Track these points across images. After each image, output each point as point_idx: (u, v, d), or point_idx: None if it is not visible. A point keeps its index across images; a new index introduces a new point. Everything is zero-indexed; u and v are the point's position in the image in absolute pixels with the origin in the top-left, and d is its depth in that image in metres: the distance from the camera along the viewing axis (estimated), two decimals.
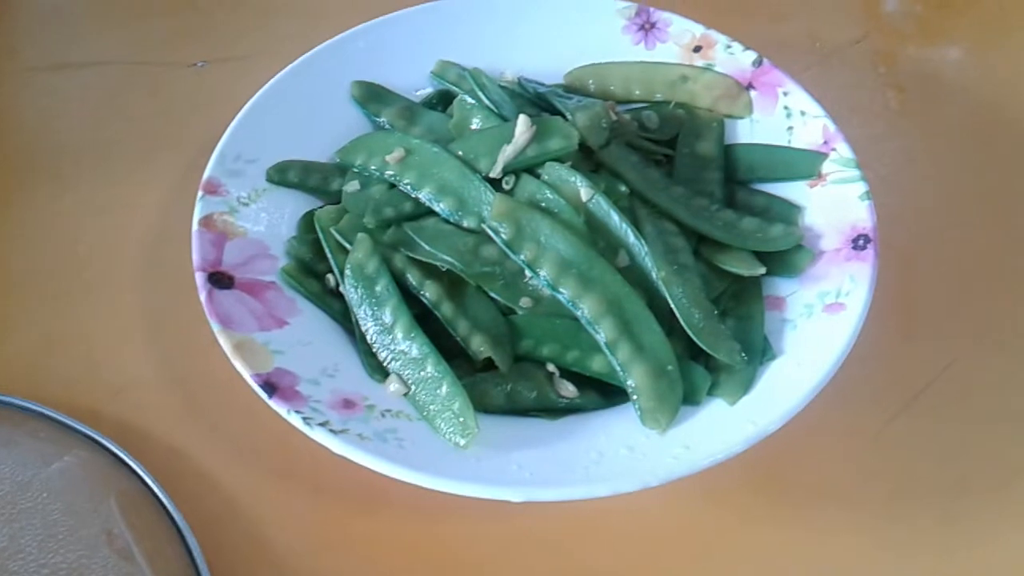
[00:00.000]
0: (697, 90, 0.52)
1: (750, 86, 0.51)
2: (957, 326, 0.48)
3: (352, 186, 0.47)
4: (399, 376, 0.41)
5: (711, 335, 0.41)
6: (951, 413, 0.45)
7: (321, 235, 0.45)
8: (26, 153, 0.56)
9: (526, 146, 0.45)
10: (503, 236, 0.42)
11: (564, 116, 0.47)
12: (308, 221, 0.47)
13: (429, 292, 0.43)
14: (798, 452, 0.43)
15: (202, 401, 0.45)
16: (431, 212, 0.45)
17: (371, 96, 0.52)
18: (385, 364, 0.41)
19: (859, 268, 0.42)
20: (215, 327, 0.40)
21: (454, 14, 0.55)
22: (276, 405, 0.38)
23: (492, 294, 0.43)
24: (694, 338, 0.41)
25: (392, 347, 0.41)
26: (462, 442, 0.38)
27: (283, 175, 0.48)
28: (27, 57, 0.61)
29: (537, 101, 0.50)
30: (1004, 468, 0.43)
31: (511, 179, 0.45)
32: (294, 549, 0.41)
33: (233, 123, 0.48)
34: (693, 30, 0.53)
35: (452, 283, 0.43)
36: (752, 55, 0.51)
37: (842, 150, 0.47)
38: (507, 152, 0.45)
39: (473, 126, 0.48)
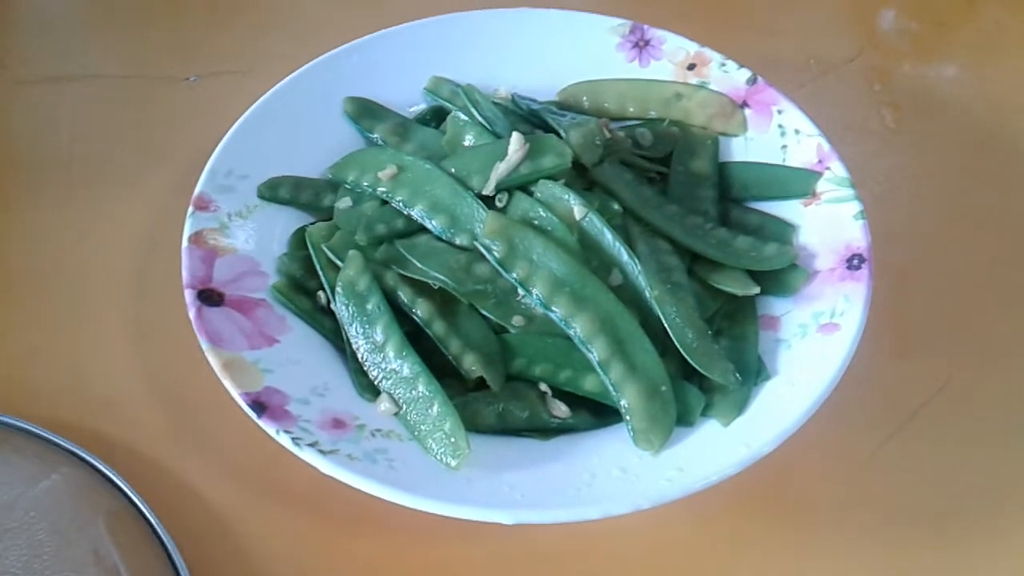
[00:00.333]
0: (691, 108, 0.52)
1: (744, 104, 0.51)
2: (952, 346, 0.48)
3: (344, 203, 0.47)
4: (390, 395, 0.40)
5: (705, 355, 0.41)
6: (946, 434, 0.45)
7: (312, 252, 0.45)
8: (15, 166, 0.56)
9: (519, 163, 0.45)
10: (496, 254, 0.42)
11: (558, 133, 0.47)
12: (299, 238, 0.46)
13: (421, 310, 0.42)
14: (792, 473, 0.43)
15: (190, 419, 0.44)
16: (423, 229, 0.45)
17: (364, 112, 0.52)
18: (376, 383, 0.41)
19: (854, 288, 0.42)
20: (204, 345, 0.40)
21: (448, 30, 0.55)
22: (265, 425, 0.38)
23: (484, 312, 0.42)
24: (688, 358, 0.40)
25: (383, 366, 0.41)
26: (453, 463, 0.38)
27: (274, 191, 0.48)
28: (17, 71, 0.61)
29: (531, 118, 0.50)
30: (999, 489, 0.43)
31: (504, 197, 0.45)
32: (283, 570, 0.40)
33: (225, 139, 0.48)
34: (687, 48, 0.53)
35: (444, 301, 0.43)
36: (746, 73, 0.51)
37: (836, 169, 0.46)
38: (500, 169, 0.44)
39: (466, 143, 0.48)
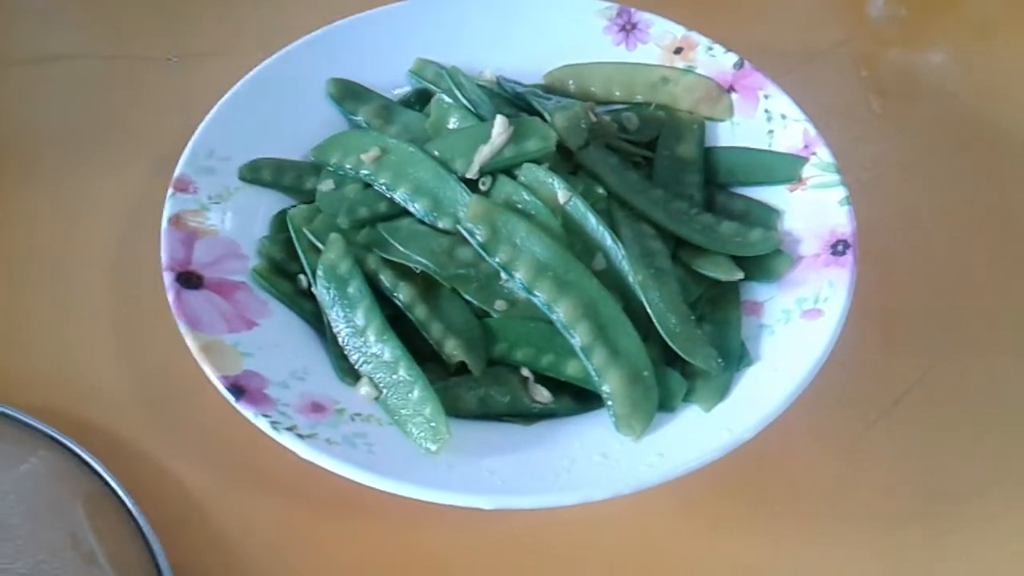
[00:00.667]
0: (678, 92, 0.51)
1: (731, 89, 0.51)
2: (936, 332, 0.48)
3: (326, 185, 0.47)
4: (370, 379, 0.40)
5: (687, 340, 0.40)
6: (929, 421, 0.45)
7: (294, 235, 0.44)
8: None
9: (503, 147, 0.44)
10: (478, 238, 0.42)
11: (543, 117, 0.47)
12: (281, 220, 0.46)
13: (402, 294, 0.42)
14: (775, 459, 0.42)
15: (170, 403, 0.44)
16: (406, 212, 0.45)
17: (348, 94, 0.51)
18: (356, 367, 0.40)
19: (838, 274, 0.42)
20: (182, 328, 0.39)
21: (434, 12, 0.54)
22: (243, 408, 0.37)
23: (466, 296, 0.42)
24: (670, 343, 0.40)
25: (364, 350, 0.40)
26: (433, 448, 0.37)
27: (256, 173, 0.47)
28: None
29: (516, 101, 0.50)
30: (981, 476, 0.43)
31: (488, 180, 0.44)
32: (261, 554, 0.40)
33: (205, 120, 0.47)
34: (674, 31, 0.53)
35: (426, 285, 0.43)
36: (733, 57, 0.51)
37: (822, 154, 0.46)
38: (484, 152, 0.44)
39: (450, 126, 0.48)
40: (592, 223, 0.42)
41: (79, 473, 0.40)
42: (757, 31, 0.61)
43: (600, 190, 0.45)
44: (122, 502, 0.40)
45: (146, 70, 0.59)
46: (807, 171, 0.46)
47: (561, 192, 0.43)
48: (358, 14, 0.53)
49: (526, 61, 0.53)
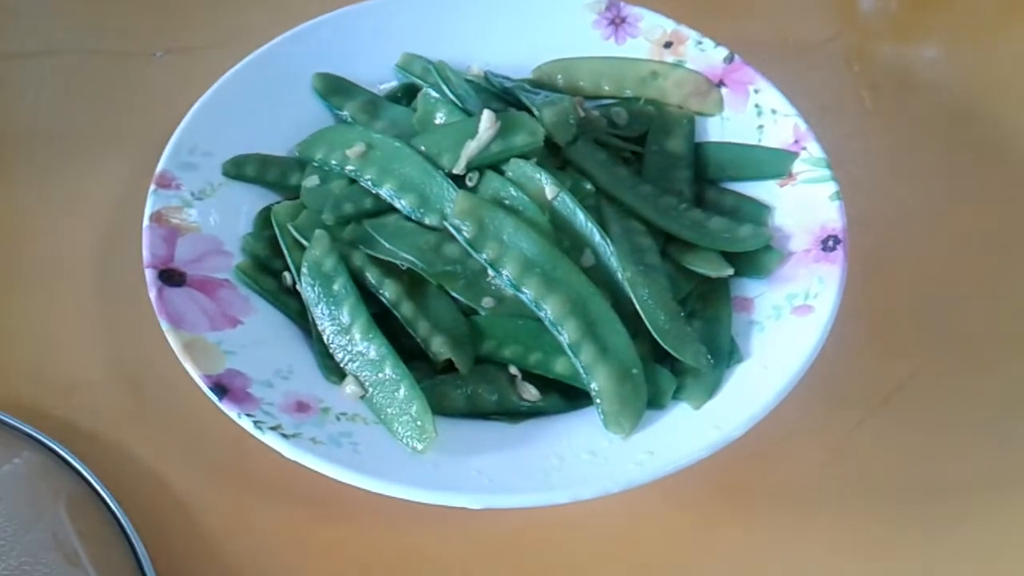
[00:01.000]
0: (667, 86, 0.51)
1: (721, 83, 0.50)
2: (927, 329, 0.48)
3: (311, 181, 0.46)
4: (356, 378, 0.39)
5: (677, 337, 0.40)
6: (920, 417, 0.44)
7: (278, 231, 0.44)
8: None
9: (490, 142, 0.44)
10: (465, 234, 0.41)
11: (531, 111, 0.46)
12: (265, 217, 0.45)
13: (388, 291, 0.42)
14: (765, 456, 0.42)
15: (153, 402, 0.43)
16: (392, 209, 0.44)
17: (333, 89, 0.51)
18: (342, 365, 0.40)
19: (828, 270, 0.42)
20: (164, 326, 0.39)
21: (420, 6, 0.54)
22: (226, 408, 0.37)
23: (453, 294, 0.42)
24: (659, 340, 0.40)
25: (349, 348, 0.40)
26: (419, 447, 0.37)
27: (240, 169, 0.47)
28: None
29: (504, 96, 0.49)
30: (971, 473, 0.43)
31: (475, 176, 0.44)
32: (246, 556, 0.39)
33: (188, 115, 0.47)
34: (664, 25, 0.52)
35: (412, 282, 0.42)
36: (723, 52, 0.51)
37: (813, 149, 0.46)
38: (471, 148, 0.43)
39: (437, 121, 0.47)
40: (580, 219, 0.42)
41: (62, 474, 0.40)
42: (747, 25, 0.60)
43: (588, 186, 0.45)
44: (105, 503, 0.39)
45: (131, 66, 0.59)
46: (797, 166, 0.46)
47: (549, 188, 0.42)
48: (344, 8, 0.53)
49: (514, 55, 0.52)
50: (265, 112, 0.49)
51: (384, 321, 0.41)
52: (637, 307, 0.40)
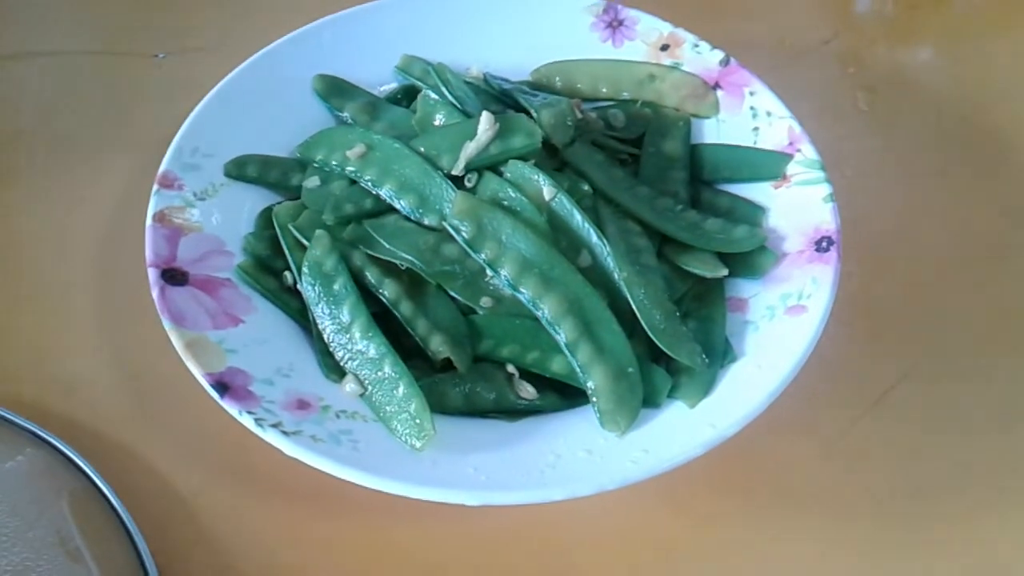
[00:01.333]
0: (664, 89, 0.51)
1: (717, 85, 0.51)
2: (920, 330, 0.48)
3: (312, 182, 0.47)
4: (356, 376, 0.40)
5: (672, 337, 0.41)
6: (913, 416, 0.45)
7: (279, 231, 0.44)
8: None
9: (489, 143, 0.44)
10: (464, 234, 0.42)
11: (529, 113, 0.47)
12: (266, 217, 0.46)
13: (388, 291, 0.42)
14: (759, 454, 0.43)
15: (155, 400, 0.44)
16: (392, 209, 0.45)
17: (334, 90, 0.51)
18: (342, 364, 0.40)
19: (821, 270, 0.42)
20: (167, 324, 0.39)
21: (420, 8, 0.54)
22: (228, 405, 0.37)
23: (452, 293, 0.42)
24: (655, 340, 0.40)
25: (349, 346, 0.40)
26: (418, 444, 0.37)
27: (241, 169, 0.47)
28: None
29: (502, 98, 0.50)
30: (965, 471, 0.43)
31: (473, 177, 0.44)
32: (247, 553, 0.40)
33: (191, 116, 0.47)
34: (661, 28, 0.53)
35: (412, 282, 0.43)
36: (719, 54, 0.51)
37: (807, 151, 0.46)
38: (469, 149, 0.44)
39: (436, 122, 0.48)
40: (577, 220, 0.43)
41: (64, 471, 0.40)
42: (744, 27, 0.61)
43: (586, 187, 0.45)
44: (107, 500, 0.40)
45: (134, 67, 0.59)
46: (792, 168, 0.46)
47: (547, 189, 0.43)
48: (345, 10, 0.53)
49: (513, 58, 0.53)
50: (267, 113, 0.49)
51: (384, 320, 0.41)
52: (633, 307, 0.41)
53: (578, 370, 0.40)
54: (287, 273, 0.44)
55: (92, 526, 0.39)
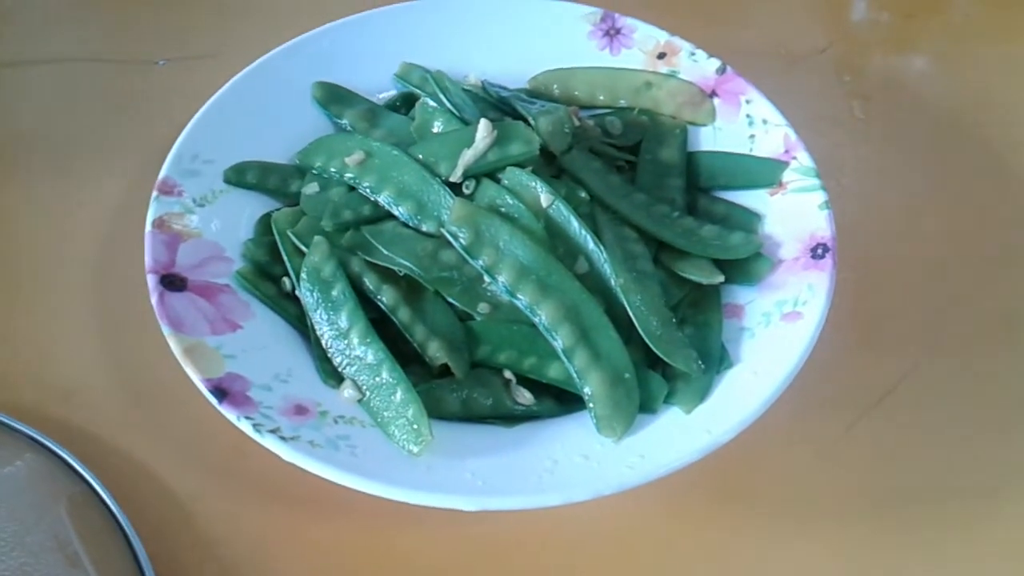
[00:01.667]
0: (661, 97, 0.52)
1: (713, 93, 0.51)
2: (916, 335, 0.48)
3: (311, 188, 0.47)
4: (354, 382, 0.40)
5: (668, 343, 0.41)
6: (909, 422, 0.45)
7: (278, 237, 0.45)
8: None
9: (487, 150, 0.44)
10: (462, 241, 0.42)
11: (527, 121, 0.47)
12: (265, 223, 0.46)
13: (386, 297, 0.42)
14: (756, 460, 0.43)
15: (154, 405, 0.44)
16: (390, 216, 0.45)
17: (333, 98, 0.51)
18: (340, 369, 0.41)
19: (817, 277, 0.42)
20: (166, 330, 0.40)
21: (419, 16, 0.54)
22: (226, 411, 0.37)
23: (450, 299, 0.42)
24: (651, 346, 0.41)
25: (347, 352, 0.41)
26: (415, 449, 0.38)
27: (241, 176, 0.47)
28: None
29: (500, 105, 0.50)
30: (962, 476, 0.43)
31: (471, 183, 0.45)
32: (245, 557, 0.40)
33: (191, 123, 0.47)
34: (658, 37, 0.53)
35: (410, 288, 0.43)
36: (716, 62, 0.51)
37: (803, 159, 0.47)
38: (467, 156, 0.44)
39: (435, 129, 0.48)
40: (575, 226, 0.43)
41: (63, 476, 0.40)
42: (740, 36, 0.61)
43: (583, 194, 0.45)
44: (106, 505, 0.40)
45: (134, 73, 0.59)
46: (788, 175, 0.47)
47: (544, 196, 0.43)
48: (344, 18, 0.53)
49: (511, 65, 0.53)
50: (266, 120, 0.50)
51: (382, 326, 0.41)
52: (630, 313, 0.41)
53: (575, 376, 0.40)
54: (286, 279, 0.44)
55: (90, 531, 0.39)
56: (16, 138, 0.56)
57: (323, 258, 0.42)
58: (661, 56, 0.53)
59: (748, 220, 0.47)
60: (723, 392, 0.40)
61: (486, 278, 0.42)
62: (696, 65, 0.52)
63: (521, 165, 0.44)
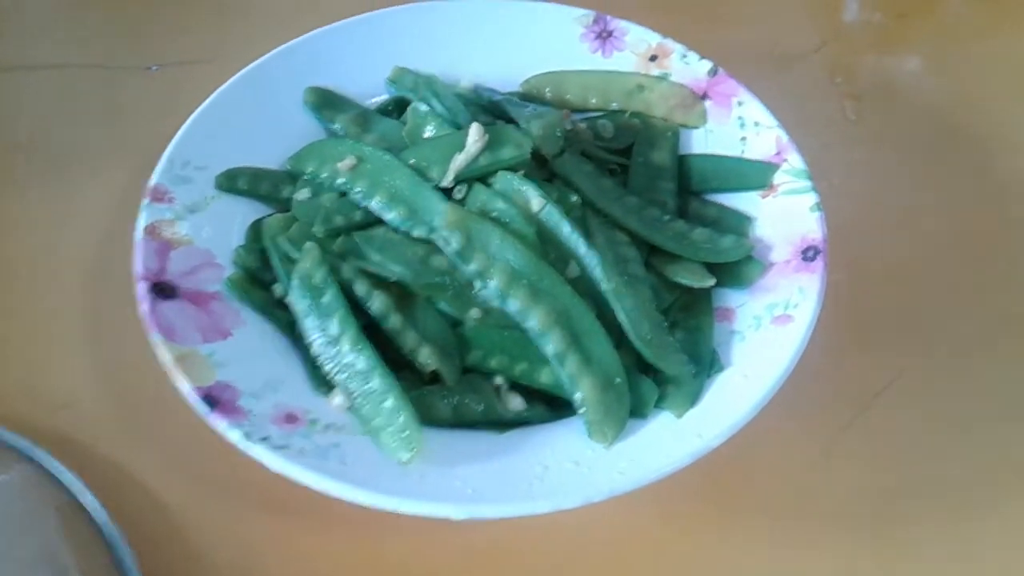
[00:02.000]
0: (653, 99, 0.52)
1: (705, 96, 0.51)
2: (907, 337, 0.48)
3: (302, 194, 0.47)
4: (344, 389, 0.40)
5: (659, 347, 0.41)
6: (900, 424, 0.45)
7: (268, 244, 0.44)
8: None
9: (478, 155, 0.44)
10: (453, 246, 0.42)
11: (518, 125, 0.47)
12: (257, 230, 0.46)
13: (377, 303, 0.42)
14: (749, 463, 0.43)
15: (145, 416, 0.44)
16: (381, 221, 0.45)
17: (325, 102, 0.51)
18: (330, 377, 0.40)
19: (808, 280, 0.42)
20: (155, 339, 0.39)
21: (411, 20, 0.54)
22: (215, 420, 0.37)
23: (441, 305, 0.42)
24: (642, 351, 0.41)
25: (338, 359, 0.40)
26: (405, 457, 0.37)
27: (232, 182, 0.47)
28: None
29: (492, 109, 0.50)
30: (952, 478, 0.43)
31: (463, 188, 0.45)
32: (236, 567, 0.40)
33: (182, 129, 0.47)
34: (649, 39, 0.53)
35: (401, 294, 0.43)
36: (707, 64, 0.51)
37: (794, 161, 0.47)
38: (458, 161, 0.44)
39: (426, 134, 0.48)
40: (566, 231, 0.43)
41: (52, 487, 0.40)
42: (731, 37, 0.61)
43: (574, 198, 0.45)
44: (96, 516, 0.39)
45: (126, 79, 0.59)
46: (779, 177, 0.47)
47: (535, 200, 0.43)
48: (336, 23, 0.53)
49: (503, 69, 0.53)
50: (258, 126, 0.50)
51: (372, 332, 0.41)
52: (621, 318, 0.41)
53: (566, 381, 0.40)
54: (277, 286, 0.44)
55: (80, 542, 0.38)
56: (6, 145, 0.56)
57: (314, 264, 0.42)
58: (653, 58, 0.53)
59: (739, 223, 0.47)
60: (714, 396, 0.40)
61: (477, 283, 0.42)
62: (688, 67, 0.52)
63: (513, 169, 0.44)
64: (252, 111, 0.50)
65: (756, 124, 0.49)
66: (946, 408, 0.46)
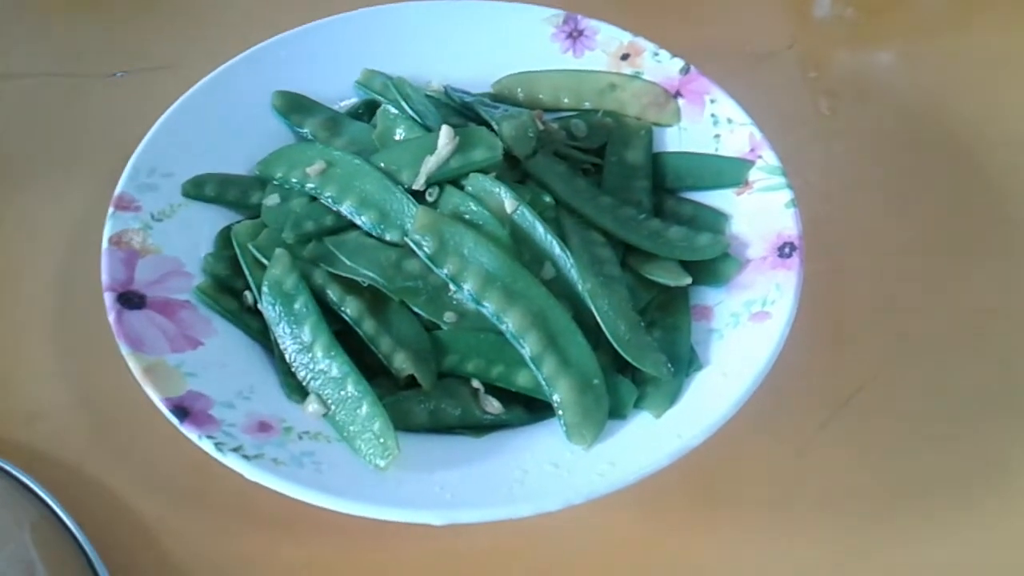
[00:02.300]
0: (626, 98, 0.51)
1: (678, 94, 0.51)
2: (886, 332, 0.48)
3: (272, 200, 0.46)
4: (318, 396, 0.39)
5: (637, 347, 0.40)
6: (880, 420, 0.45)
7: (238, 251, 0.44)
8: None
9: (449, 157, 0.44)
10: (426, 250, 0.42)
11: (490, 126, 0.46)
12: (226, 237, 0.45)
13: (350, 308, 0.42)
14: (728, 461, 0.43)
15: (116, 427, 0.43)
16: (352, 226, 0.44)
17: (293, 107, 0.51)
18: (304, 384, 0.40)
19: (785, 276, 0.42)
20: (124, 350, 0.39)
21: (380, 22, 0.54)
22: (187, 430, 0.37)
23: (415, 309, 0.42)
24: (620, 351, 0.40)
25: (311, 366, 0.40)
26: (382, 464, 0.37)
27: (199, 189, 0.46)
28: None
29: (463, 111, 0.50)
30: (931, 474, 0.43)
31: (435, 191, 0.44)
32: None
33: (147, 136, 0.47)
34: (621, 38, 0.53)
35: (374, 299, 0.42)
36: (679, 63, 0.51)
37: (768, 158, 0.46)
38: (429, 163, 0.44)
39: (397, 137, 0.47)
40: (540, 232, 0.42)
41: (25, 501, 0.40)
42: (704, 34, 0.61)
43: (548, 198, 0.45)
44: (69, 530, 0.39)
45: (90, 87, 0.58)
46: (753, 174, 0.47)
47: (508, 201, 0.43)
48: (303, 26, 0.53)
49: (474, 70, 0.53)
50: (225, 131, 0.49)
51: (346, 338, 0.41)
52: (597, 318, 0.40)
53: (543, 383, 0.39)
54: (247, 293, 0.43)
55: (54, 556, 0.38)
56: None
57: (285, 270, 0.42)
58: (624, 57, 0.52)
59: (715, 220, 0.46)
60: (693, 395, 0.40)
61: (451, 287, 0.42)
62: (660, 66, 0.52)
63: (485, 171, 0.44)
64: (219, 116, 0.49)
65: (729, 121, 0.49)
66: (924, 405, 0.45)
